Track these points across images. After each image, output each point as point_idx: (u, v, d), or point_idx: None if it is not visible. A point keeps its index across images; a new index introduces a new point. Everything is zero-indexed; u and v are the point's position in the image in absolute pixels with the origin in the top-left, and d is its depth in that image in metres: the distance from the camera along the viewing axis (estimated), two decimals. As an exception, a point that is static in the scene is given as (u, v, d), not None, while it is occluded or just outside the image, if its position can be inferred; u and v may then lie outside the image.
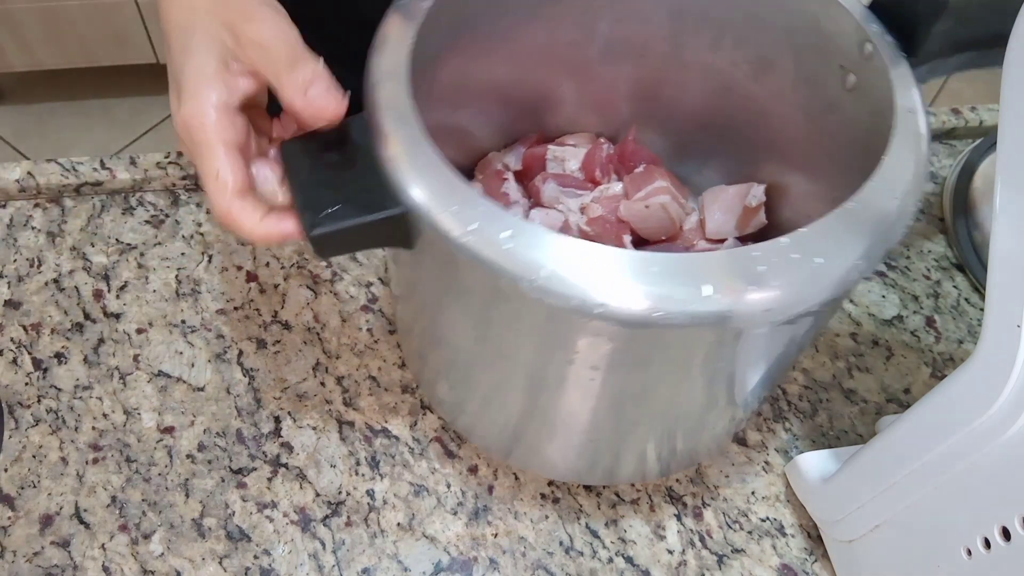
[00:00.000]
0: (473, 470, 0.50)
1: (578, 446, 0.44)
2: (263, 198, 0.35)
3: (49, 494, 0.47)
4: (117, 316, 0.55)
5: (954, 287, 0.62)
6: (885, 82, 0.36)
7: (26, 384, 0.51)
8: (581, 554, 0.48)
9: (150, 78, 1.64)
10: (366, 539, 0.47)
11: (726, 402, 0.40)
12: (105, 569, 0.45)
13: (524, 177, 0.53)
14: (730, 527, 0.49)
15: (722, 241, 0.51)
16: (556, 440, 0.44)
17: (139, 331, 0.54)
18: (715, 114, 0.50)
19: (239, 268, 0.58)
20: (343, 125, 0.34)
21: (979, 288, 0.62)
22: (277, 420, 0.51)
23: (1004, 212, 0.32)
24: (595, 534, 0.49)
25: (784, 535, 0.49)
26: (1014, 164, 0.31)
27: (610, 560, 0.48)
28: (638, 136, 0.53)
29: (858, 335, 0.59)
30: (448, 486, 0.49)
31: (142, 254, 0.58)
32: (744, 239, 0.51)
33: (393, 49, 0.36)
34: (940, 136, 0.73)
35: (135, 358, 0.53)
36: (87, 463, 0.49)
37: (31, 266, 0.57)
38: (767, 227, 0.50)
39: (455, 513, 0.48)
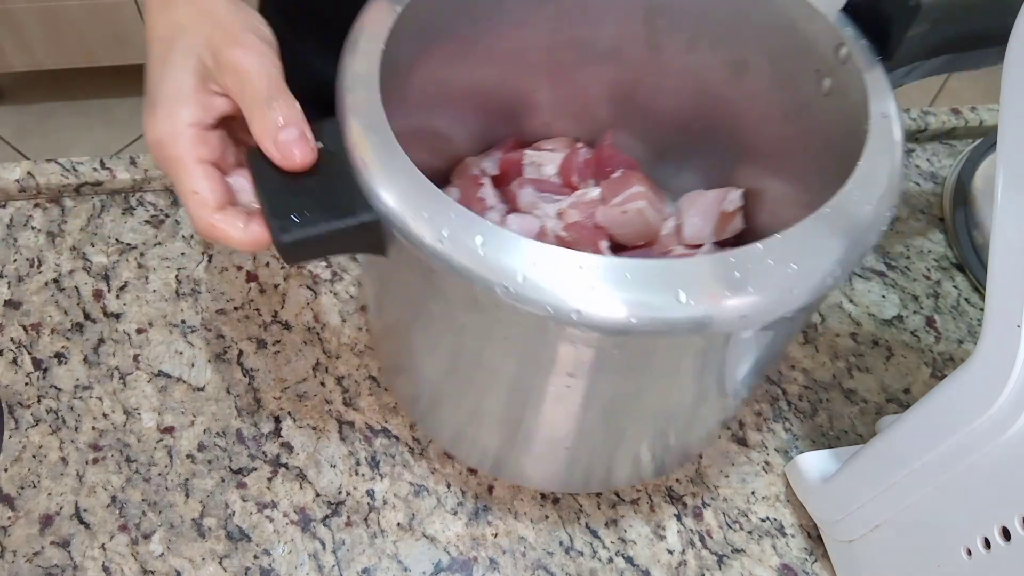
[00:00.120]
0: (473, 470, 0.50)
1: (566, 458, 0.44)
2: (244, 207, 0.34)
3: (49, 494, 0.47)
4: (117, 316, 0.55)
5: (954, 287, 0.62)
6: (860, 86, 0.36)
7: (26, 384, 0.51)
8: (581, 554, 0.48)
9: (150, 78, 1.64)
10: (366, 539, 0.47)
11: (713, 399, 0.40)
12: (105, 569, 0.45)
13: (501, 182, 0.53)
14: (730, 527, 0.49)
15: (699, 246, 0.51)
16: (543, 453, 0.44)
17: (139, 331, 0.54)
18: (692, 118, 0.50)
19: (239, 268, 0.58)
20: (313, 129, 0.34)
21: (979, 288, 0.62)
22: (277, 420, 0.51)
23: (1004, 212, 0.32)
24: (595, 534, 0.49)
25: (784, 535, 0.49)
26: (1014, 164, 0.31)
27: (610, 560, 0.48)
28: (615, 140, 0.53)
29: (858, 335, 0.59)
30: (448, 486, 0.49)
31: (142, 254, 0.58)
32: (721, 244, 0.51)
33: (364, 53, 0.35)
34: (940, 136, 0.73)
35: (135, 358, 0.53)
36: (87, 463, 0.49)
37: (31, 266, 0.57)
38: (744, 232, 0.50)
39: (455, 513, 0.48)
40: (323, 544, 0.47)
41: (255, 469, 0.49)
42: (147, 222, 0.60)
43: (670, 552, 0.48)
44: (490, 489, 0.50)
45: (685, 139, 0.52)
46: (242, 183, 0.35)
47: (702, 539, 0.49)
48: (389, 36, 0.36)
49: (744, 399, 0.42)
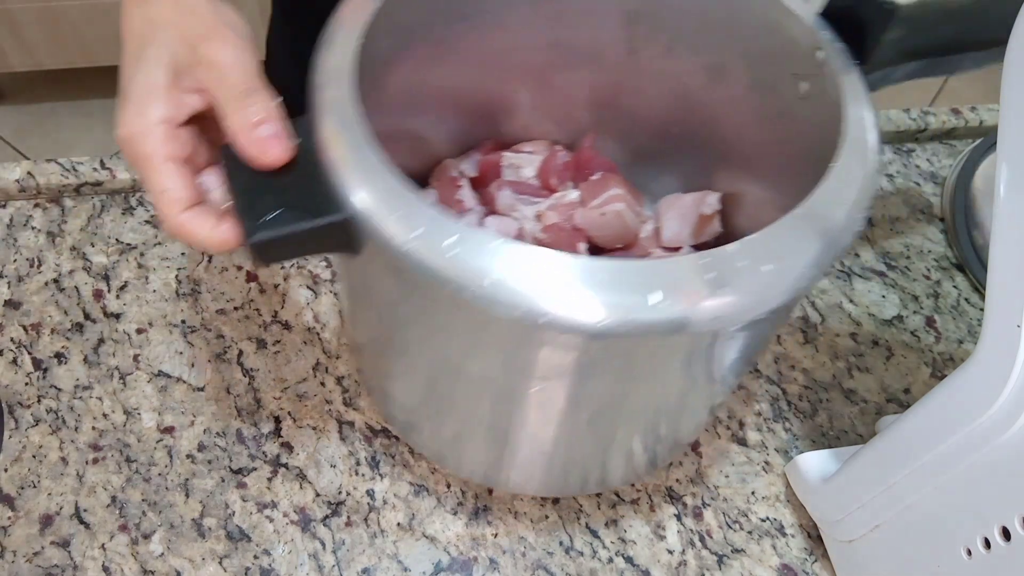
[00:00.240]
0: (473, 470, 0.50)
1: (554, 463, 0.43)
2: (214, 206, 0.34)
3: (49, 494, 0.47)
4: (117, 316, 0.55)
5: (954, 287, 0.62)
6: (836, 90, 0.36)
7: (26, 384, 0.51)
8: (581, 554, 0.48)
9: (150, 78, 1.64)
10: (366, 539, 0.47)
11: (698, 390, 0.40)
12: (105, 569, 0.45)
13: (480, 184, 0.53)
14: (730, 527, 0.49)
15: (678, 249, 0.51)
16: (530, 460, 0.43)
17: (139, 331, 0.54)
18: (671, 121, 0.50)
19: (239, 268, 0.58)
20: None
21: (979, 288, 0.62)
22: (277, 420, 0.51)
23: (1004, 212, 0.32)
24: (595, 534, 0.49)
25: (784, 535, 0.49)
26: (1014, 164, 0.31)
27: (610, 560, 0.48)
28: (595, 143, 0.53)
29: (858, 335, 0.59)
30: (448, 486, 0.49)
31: (142, 254, 0.58)
32: (700, 247, 0.51)
33: (339, 50, 0.35)
34: (940, 136, 0.73)
35: (135, 358, 0.53)
36: (87, 463, 0.49)
37: (31, 266, 0.57)
38: (723, 235, 0.50)
39: (455, 513, 0.48)
40: (323, 544, 0.47)
41: (255, 469, 0.49)
42: (147, 222, 0.60)
43: (670, 552, 0.48)
44: (490, 489, 0.50)
45: (664, 142, 0.52)
46: (213, 182, 0.35)
47: (702, 539, 0.49)
48: (365, 33, 0.35)
49: (732, 385, 0.42)
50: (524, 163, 0.53)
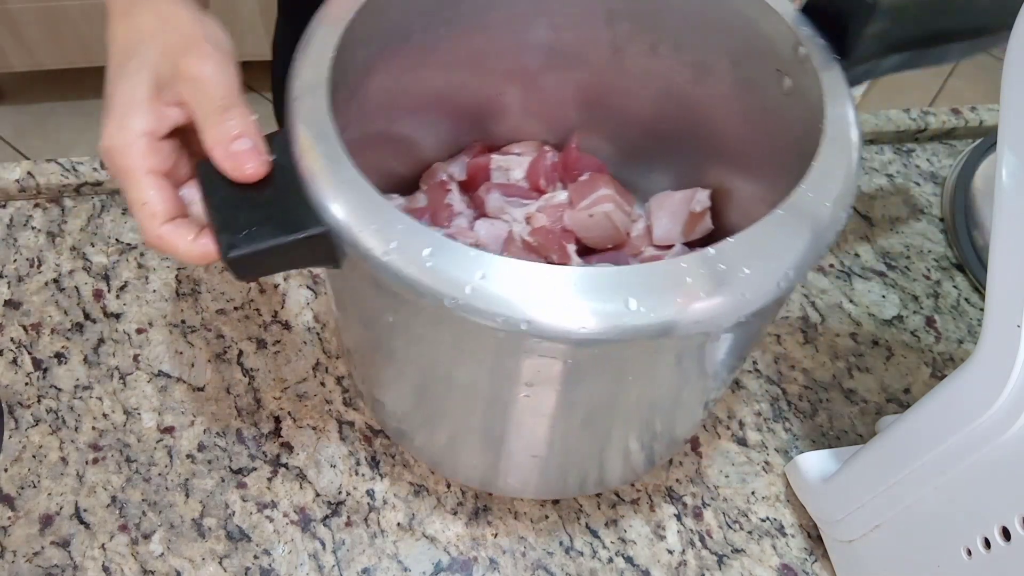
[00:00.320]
0: (473, 470, 0.50)
1: (547, 468, 0.43)
2: (195, 219, 0.34)
3: (49, 494, 0.47)
4: (117, 316, 0.55)
5: (954, 287, 0.62)
6: (818, 85, 0.36)
7: (26, 384, 0.51)
8: (581, 554, 0.48)
9: (150, 78, 1.64)
10: (366, 539, 0.47)
11: (689, 388, 0.40)
12: (105, 569, 0.45)
13: (469, 187, 0.53)
14: (730, 527, 0.49)
15: (669, 247, 0.51)
16: (523, 465, 0.43)
17: (139, 331, 0.54)
18: (658, 119, 0.50)
19: (239, 268, 0.58)
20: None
21: (979, 288, 0.62)
22: (277, 420, 0.51)
23: (1004, 212, 0.32)
24: (595, 534, 0.49)
25: (784, 535, 0.49)
26: (1014, 164, 0.31)
27: (610, 560, 0.48)
28: (583, 143, 0.53)
29: (858, 335, 0.59)
30: (448, 486, 0.49)
31: (142, 254, 0.58)
32: (691, 245, 0.51)
33: (314, 62, 0.35)
34: (940, 136, 0.73)
35: (135, 358, 0.53)
36: (87, 463, 0.49)
37: (31, 266, 0.57)
38: (714, 231, 0.50)
39: (455, 513, 0.48)
40: (323, 544, 0.47)
41: (255, 469, 0.49)
42: (147, 222, 0.60)
43: (670, 552, 0.48)
44: (489, 491, 0.50)
45: (652, 141, 0.52)
46: (194, 195, 0.35)
47: (702, 539, 0.49)
48: (340, 43, 0.35)
49: (727, 381, 0.42)
50: (513, 165, 0.53)
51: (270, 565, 0.46)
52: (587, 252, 0.52)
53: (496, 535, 0.48)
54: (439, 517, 0.48)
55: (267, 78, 0.75)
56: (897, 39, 0.38)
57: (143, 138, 0.33)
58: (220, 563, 0.46)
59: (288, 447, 0.50)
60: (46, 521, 0.46)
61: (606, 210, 0.49)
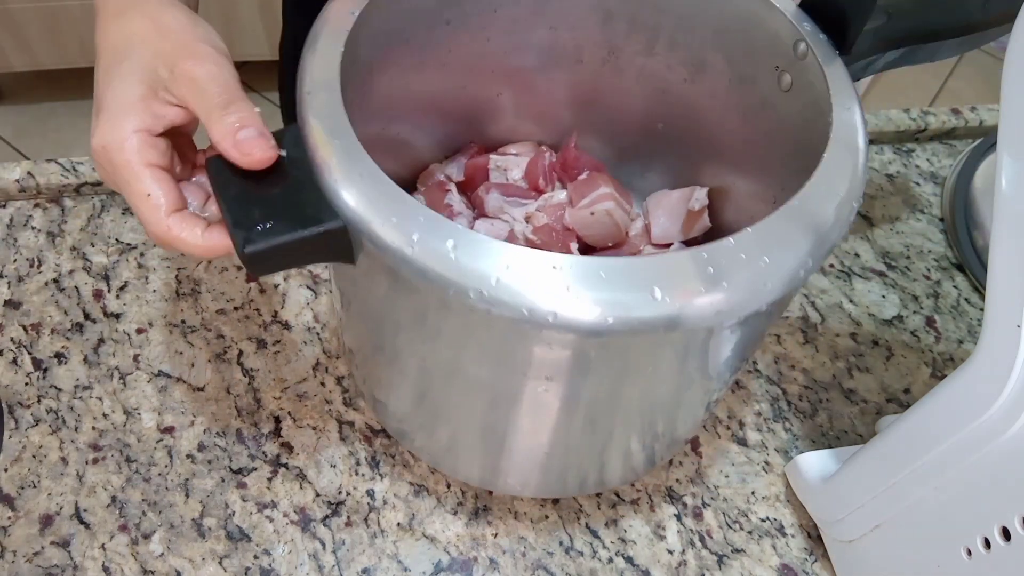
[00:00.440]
0: (473, 470, 0.50)
1: (554, 464, 0.43)
2: (198, 215, 0.34)
3: (49, 494, 0.47)
4: (117, 316, 0.55)
5: (954, 287, 0.62)
6: (820, 81, 0.36)
7: (26, 384, 0.51)
8: (581, 554, 0.48)
9: (150, 78, 1.64)
10: (366, 539, 0.47)
11: (696, 386, 0.40)
12: (105, 569, 0.45)
13: (467, 188, 0.53)
14: (730, 527, 0.49)
15: (668, 246, 0.51)
16: (529, 462, 0.43)
17: (139, 331, 0.54)
18: (654, 117, 0.50)
19: (239, 268, 0.58)
20: (275, 136, 0.33)
21: (979, 288, 0.62)
22: (277, 420, 0.51)
23: (1004, 212, 0.32)
24: (595, 534, 0.49)
25: (784, 535, 0.49)
26: (1014, 164, 0.31)
27: (610, 560, 0.48)
28: (580, 142, 0.53)
29: (858, 335, 0.59)
30: (448, 486, 0.49)
31: (142, 254, 0.58)
32: (689, 243, 0.51)
33: (324, 56, 0.35)
34: (940, 136, 0.73)
35: (135, 358, 0.53)
36: (87, 463, 0.49)
37: (31, 266, 0.57)
38: (711, 230, 0.50)
39: (455, 513, 0.48)
40: (323, 544, 0.47)
41: (255, 469, 0.49)
42: (147, 222, 0.60)
43: (670, 552, 0.48)
44: (490, 489, 0.50)
45: (649, 139, 0.52)
46: (193, 192, 0.35)
47: (702, 539, 0.49)
48: (347, 40, 0.35)
49: (728, 381, 0.42)
50: (511, 165, 0.53)
51: (270, 565, 0.46)
52: (587, 251, 0.52)
53: (496, 535, 0.48)
54: (439, 517, 0.48)
55: (267, 78, 0.75)
56: (895, 35, 0.38)
57: (138, 134, 0.33)
58: (220, 563, 0.46)
59: (288, 447, 0.50)
60: (46, 521, 0.47)
61: (607, 208, 0.49)
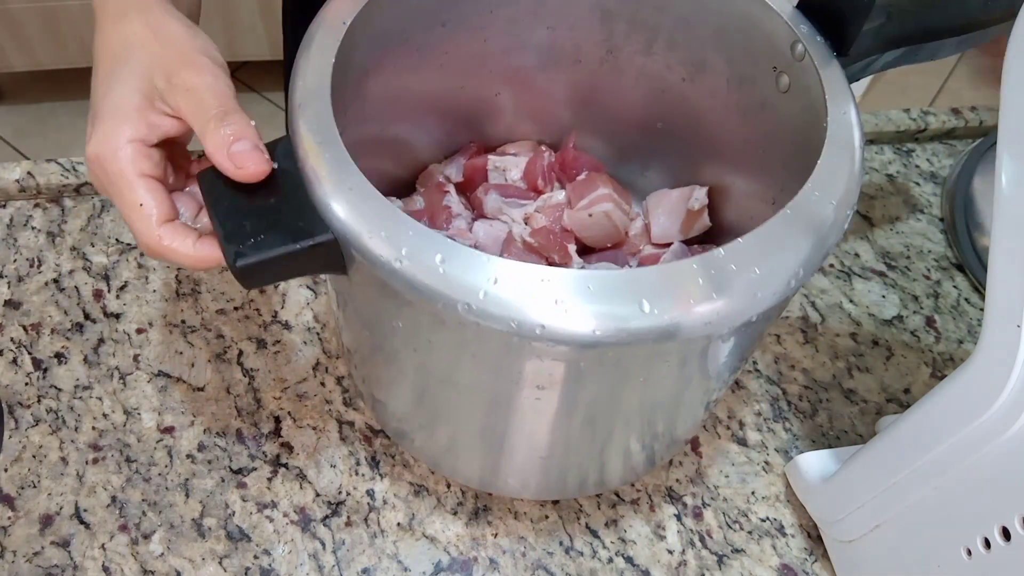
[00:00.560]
0: (473, 470, 0.50)
1: (550, 469, 0.43)
2: (191, 226, 0.34)
3: (49, 494, 0.47)
4: (117, 316, 0.55)
5: (954, 287, 0.62)
6: (817, 83, 0.36)
7: (26, 384, 0.51)
8: (581, 554, 0.48)
9: (150, 78, 1.64)
10: (366, 539, 0.47)
11: (692, 389, 0.40)
12: (105, 569, 0.45)
13: (466, 188, 0.53)
14: (730, 527, 0.49)
15: (668, 245, 0.51)
16: (526, 467, 0.43)
17: (139, 331, 0.54)
18: (653, 117, 0.50)
19: (239, 268, 0.58)
20: (267, 147, 0.33)
21: (979, 288, 0.62)
22: (277, 420, 0.51)
23: (1004, 212, 0.32)
24: (595, 534, 0.49)
25: (784, 535, 0.49)
26: (1014, 164, 0.31)
27: (610, 560, 0.48)
28: (579, 141, 0.53)
29: (858, 335, 0.59)
30: (448, 486, 0.49)
31: (142, 254, 0.58)
32: (689, 242, 0.51)
33: (316, 66, 0.35)
34: (940, 136, 0.73)
35: (135, 358, 0.53)
36: (87, 463, 0.49)
37: (31, 266, 0.57)
38: (712, 229, 0.50)
39: (455, 513, 0.48)
40: (323, 544, 0.47)
41: (255, 469, 0.49)
42: (147, 222, 0.60)
43: (670, 552, 0.48)
44: (489, 491, 0.50)
45: (648, 139, 0.52)
46: (185, 203, 0.35)
47: (702, 539, 0.49)
48: (340, 47, 0.35)
49: (728, 382, 0.42)
50: (510, 165, 0.53)
51: (270, 565, 0.46)
52: (586, 251, 0.52)
53: (496, 535, 0.48)
54: (439, 517, 0.48)
55: (267, 78, 0.75)
56: (893, 35, 0.38)
57: (132, 144, 0.33)
58: (220, 563, 0.46)
59: (288, 447, 0.50)
60: (46, 521, 0.46)
61: (605, 209, 0.49)
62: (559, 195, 0.51)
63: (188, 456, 0.49)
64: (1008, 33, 0.31)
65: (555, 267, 0.29)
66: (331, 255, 0.32)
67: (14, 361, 0.52)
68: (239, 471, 0.49)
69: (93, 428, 0.50)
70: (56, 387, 0.51)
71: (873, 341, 0.58)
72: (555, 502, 0.49)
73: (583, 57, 0.48)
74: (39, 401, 0.51)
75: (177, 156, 0.36)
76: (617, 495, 0.50)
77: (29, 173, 0.59)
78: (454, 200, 0.51)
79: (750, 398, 0.55)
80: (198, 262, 0.33)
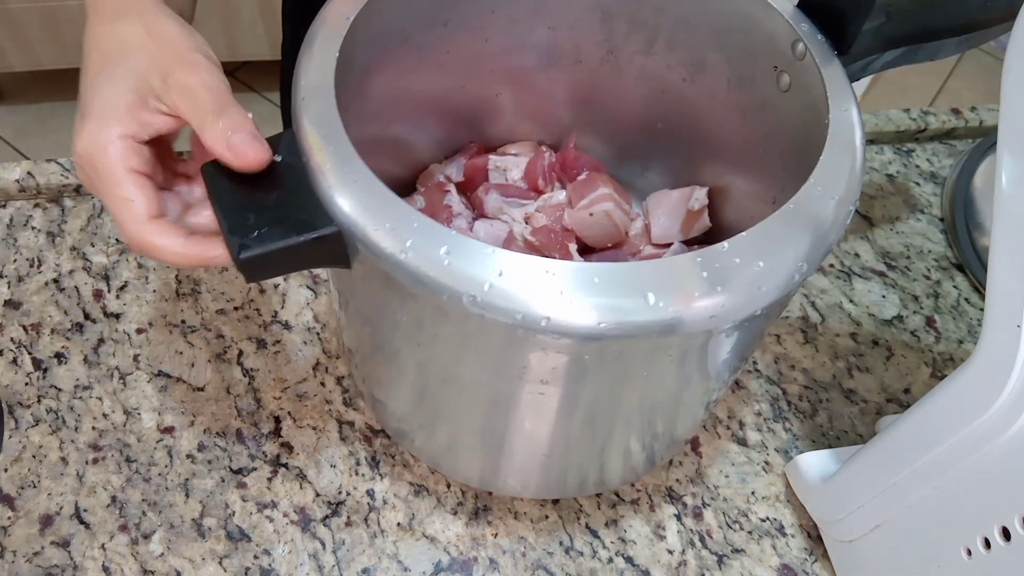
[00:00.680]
0: (473, 470, 0.50)
1: (552, 466, 0.43)
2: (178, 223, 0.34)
3: (49, 494, 0.47)
4: (117, 316, 0.55)
5: (954, 287, 0.62)
6: (818, 82, 0.36)
7: (26, 384, 0.51)
8: (581, 554, 0.48)
9: (150, 78, 1.64)
10: (366, 539, 0.47)
11: (693, 387, 0.40)
12: (105, 569, 0.45)
13: (467, 188, 0.53)
14: (730, 527, 0.49)
15: (668, 245, 0.51)
16: (527, 464, 0.43)
17: (139, 331, 0.54)
18: (653, 117, 0.50)
19: (239, 268, 0.58)
20: (270, 141, 0.33)
21: (979, 288, 0.62)
22: (277, 420, 0.51)
23: (1004, 212, 0.32)
24: (595, 534, 0.49)
25: (784, 535, 0.49)
26: (1014, 164, 0.31)
27: (610, 560, 0.48)
28: (580, 142, 0.53)
29: (858, 335, 0.59)
30: (448, 486, 0.49)
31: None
32: (689, 243, 0.51)
33: (319, 62, 0.35)
34: (940, 136, 0.73)
35: (135, 358, 0.53)
36: (87, 463, 0.49)
37: (31, 266, 0.57)
38: (712, 229, 0.50)
39: (455, 513, 0.48)
40: (323, 544, 0.47)
41: (255, 469, 0.49)
42: (147, 222, 0.60)
43: (670, 552, 0.48)
44: (490, 490, 0.50)
45: (649, 139, 0.52)
46: (172, 201, 0.35)
47: (702, 539, 0.49)
48: (343, 44, 0.35)
49: (728, 381, 0.42)
50: (510, 165, 0.53)
51: (270, 565, 0.46)
52: (586, 251, 0.52)
53: (496, 535, 0.48)
54: (439, 517, 0.48)
55: (267, 78, 0.75)
56: (894, 35, 0.38)
57: (123, 140, 0.33)
58: (220, 563, 0.46)
59: (288, 447, 0.50)
60: (46, 521, 0.46)
61: (606, 209, 0.49)
62: (560, 195, 0.51)
63: (188, 456, 0.49)
64: (1007, 34, 0.31)
65: (561, 260, 0.29)
66: (335, 248, 0.32)
67: (14, 361, 0.52)
68: (239, 471, 0.49)
69: (93, 428, 0.50)
70: (56, 387, 0.51)
71: (873, 341, 0.58)
72: (555, 502, 0.49)
73: (583, 57, 0.48)
74: (39, 401, 0.51)
75: (163, 155, 0.36)
76: (617, 495, 0.50)
77: (29, 173, 0.59)
78: (455, 200, 0.51)
79: (750, 398, 0.55)
80: (185, 259, 0.33)
